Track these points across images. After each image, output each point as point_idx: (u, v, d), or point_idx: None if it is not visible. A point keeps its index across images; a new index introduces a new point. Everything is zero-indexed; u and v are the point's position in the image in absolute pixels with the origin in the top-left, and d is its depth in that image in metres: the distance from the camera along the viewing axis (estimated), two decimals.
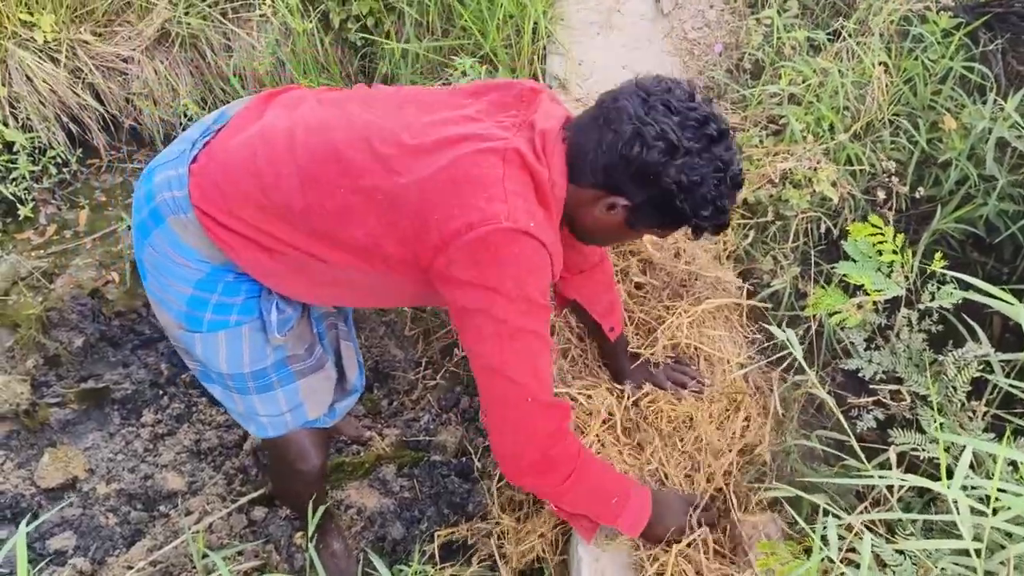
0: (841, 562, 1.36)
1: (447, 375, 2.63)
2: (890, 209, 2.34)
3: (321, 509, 1.76)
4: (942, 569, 1.35)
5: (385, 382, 2.71)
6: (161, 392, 2.63)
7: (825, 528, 1.39)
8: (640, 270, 2.24)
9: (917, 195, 2.32)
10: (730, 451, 1.84)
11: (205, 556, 2.12)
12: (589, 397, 1.97)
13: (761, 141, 2.37)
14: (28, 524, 2.34)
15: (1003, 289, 1.46)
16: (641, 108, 1.34)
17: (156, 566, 2.22)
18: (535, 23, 2.53)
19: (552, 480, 1.52)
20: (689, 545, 1.69)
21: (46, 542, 2.29)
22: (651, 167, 1.33)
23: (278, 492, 2.24)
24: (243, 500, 2.34)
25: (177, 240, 1.51)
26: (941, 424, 1.62)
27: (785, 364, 2.07)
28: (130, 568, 2.20)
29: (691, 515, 1.72)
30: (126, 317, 2.78)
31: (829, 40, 2.57)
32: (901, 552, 1.40)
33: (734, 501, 1.83)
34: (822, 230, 2.33)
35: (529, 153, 1.36)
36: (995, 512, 1.25)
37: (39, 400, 2.53)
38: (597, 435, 1.89)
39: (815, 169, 2.20)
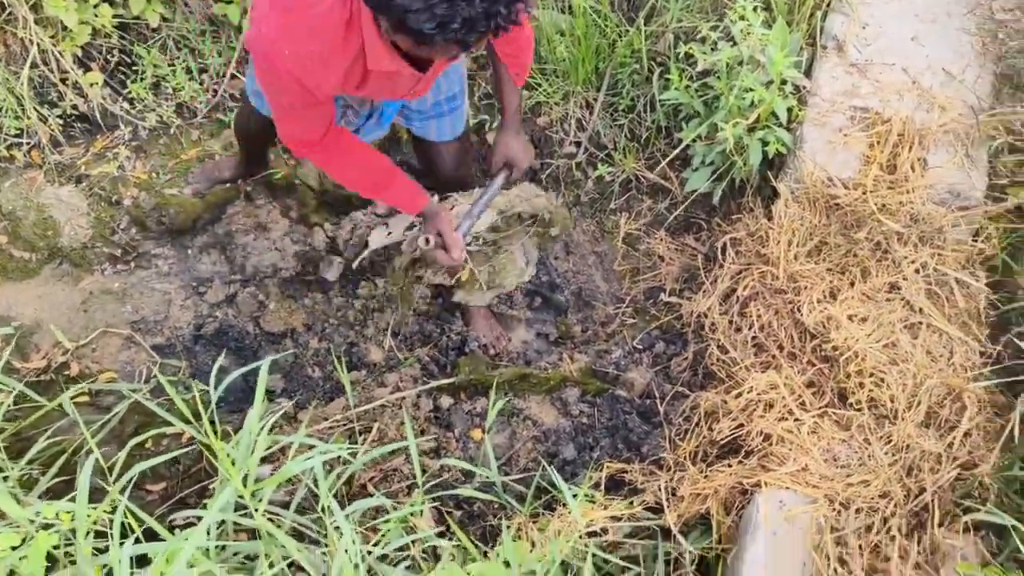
0: None
1: (648, 317, 2.62)
2: None
3: None
4: None
5: (583, 309, 2.74)
6: (377, 272, 2.80)
7: None
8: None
9: None
10: (949, 463, 1.72)
11: (402, 423, 2.28)
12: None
13: None
14: (248, 363, 2.60)
15: None
16: None
17: (346, 424, 2.41)
18: None
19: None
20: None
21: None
22: None
23: None
24: (433, 385, 2.47)
25: None
26: None
27: None
28: (325, 419, 2.39)
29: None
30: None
31: None
32: None
33: (936, 515, 1.72)
34: None
35: None
36: None
37: None
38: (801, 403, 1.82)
39: None
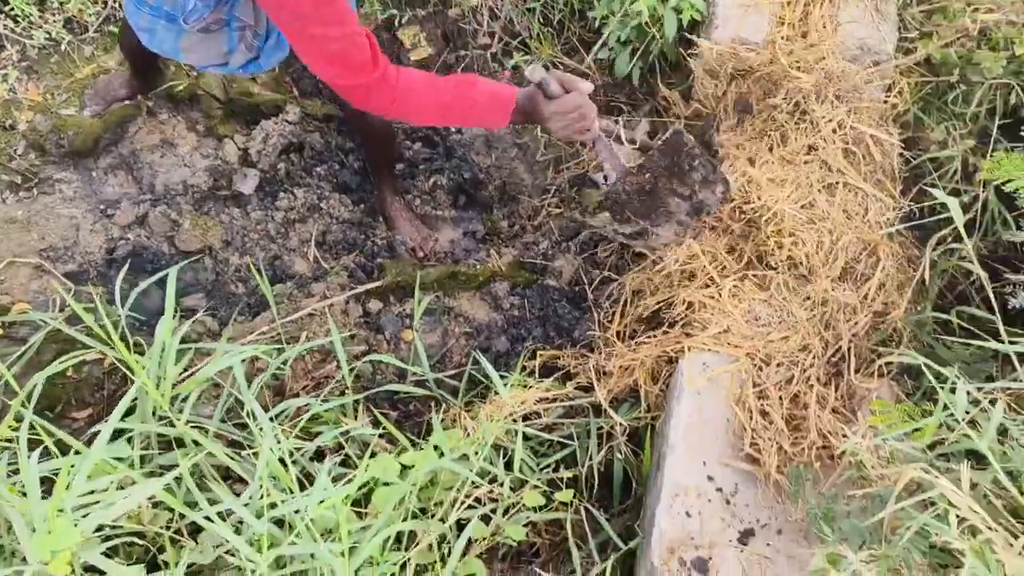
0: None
1: (573, 206, 2.59)
2: None
3: None
4: None
5: (508, 203, 2.70)
6: (296, 182, 2.71)
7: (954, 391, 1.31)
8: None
9: None
10: (865, 312, 1.74)
11: (330, 331, 2.24)
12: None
13: None
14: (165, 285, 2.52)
15: None
16: None
17: (273, 335, 2.36)
18: None
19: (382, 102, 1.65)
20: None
21: (180, 299, 2.45)
22: None
23: None
24: (360, 289, 2.43)
25: None
26: None
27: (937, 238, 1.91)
28: (251, 332, 2.34)
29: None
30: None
31: None
32: None
33: (853, 363, 1.75)
34: (1011, 103, 2.09)
35: None
36: None
37: None
38: (721, 269, 1.82)
39: (1022, 29, 1.94)
